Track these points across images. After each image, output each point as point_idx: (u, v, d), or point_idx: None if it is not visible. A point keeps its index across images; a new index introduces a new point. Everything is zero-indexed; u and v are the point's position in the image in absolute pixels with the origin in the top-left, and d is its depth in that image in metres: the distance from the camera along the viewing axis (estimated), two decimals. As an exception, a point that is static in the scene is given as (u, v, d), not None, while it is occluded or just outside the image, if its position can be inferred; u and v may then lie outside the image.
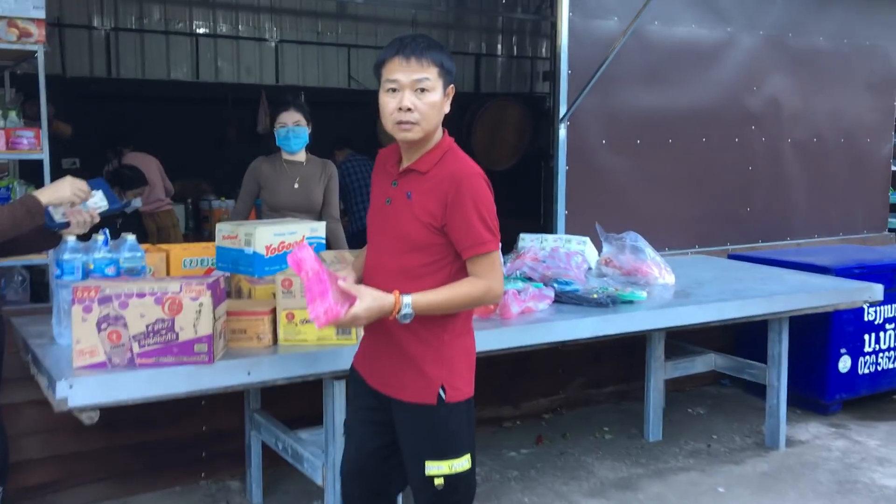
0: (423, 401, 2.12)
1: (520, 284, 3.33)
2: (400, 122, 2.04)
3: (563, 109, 4.45)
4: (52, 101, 6.81)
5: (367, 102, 8.32)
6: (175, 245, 3.64)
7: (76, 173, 6.95)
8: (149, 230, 6.18)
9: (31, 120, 6.74)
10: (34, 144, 3.40)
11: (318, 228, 3.34)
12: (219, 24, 7.89)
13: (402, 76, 2.03)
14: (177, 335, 2.36)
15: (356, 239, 6.79)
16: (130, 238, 2.73)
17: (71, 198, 2.58)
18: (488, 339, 2.87)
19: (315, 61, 8.43)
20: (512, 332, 3.00)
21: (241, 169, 4.16)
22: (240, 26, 7.99)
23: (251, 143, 7.73)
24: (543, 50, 9.88)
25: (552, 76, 8.79)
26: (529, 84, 9.91)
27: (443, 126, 2.17)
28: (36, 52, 3.34)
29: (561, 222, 4.51)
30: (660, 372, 4.20)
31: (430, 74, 2.04)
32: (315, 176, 3.95)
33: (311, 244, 3.31)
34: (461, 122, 8.96)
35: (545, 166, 9.78)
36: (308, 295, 2.01)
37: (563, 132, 4.47)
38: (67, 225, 2.59)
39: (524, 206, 9.42)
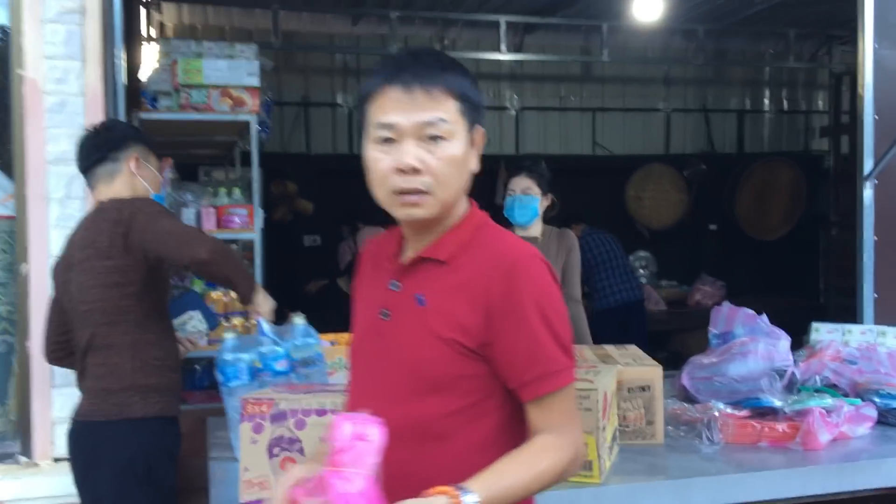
0: None
1: (828, 400, 2.46)
2: (402, 193, 1.34)
3: (867, 165, 3.50)
4: (295, 179, 6.98)
5: (613, 169, 7.78)
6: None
7: (317, 251, 7.04)
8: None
9: (277, 198, 6.93)
10: (247, 223, 3.16)
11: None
12: (458, 95, 7.72)
13: (402, 117, 1.33)
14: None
15: (602, 318, 6.11)
16: (299, 321, 2.29)
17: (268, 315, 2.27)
18: (788, 483, 2.06)
19: (557, 128, 7.99)
20: (823, 472, 2.16)
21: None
22: (479, 96, 7.76)
23: (490, 214, 7.38)
24: (819, 102, 8.68)
25: (851, 125, 7.59)
26: (803, 142, 8.72)
27: (470, 194, 1.45)
28: (249, 122, 3.11)
29: (868, 309, 3.51)
30: None
31: (446, 113, 1.34)
32: (552, 253, 3.37)
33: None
34: (722, 186, 8.01)
35: (825, 234, 8.51)
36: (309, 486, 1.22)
37: (868, 194, 3.51)
38: None
39: (798, 281, 8.19)
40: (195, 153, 4.72)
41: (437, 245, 1.39)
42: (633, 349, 2.67)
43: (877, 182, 3.51)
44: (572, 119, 8.04)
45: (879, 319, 3.47)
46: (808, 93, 8.72)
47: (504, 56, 6.73)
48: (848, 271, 7.75)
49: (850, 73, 7.73)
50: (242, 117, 3.06)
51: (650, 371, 2.37)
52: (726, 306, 3.11)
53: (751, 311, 3.02)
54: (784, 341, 2.95)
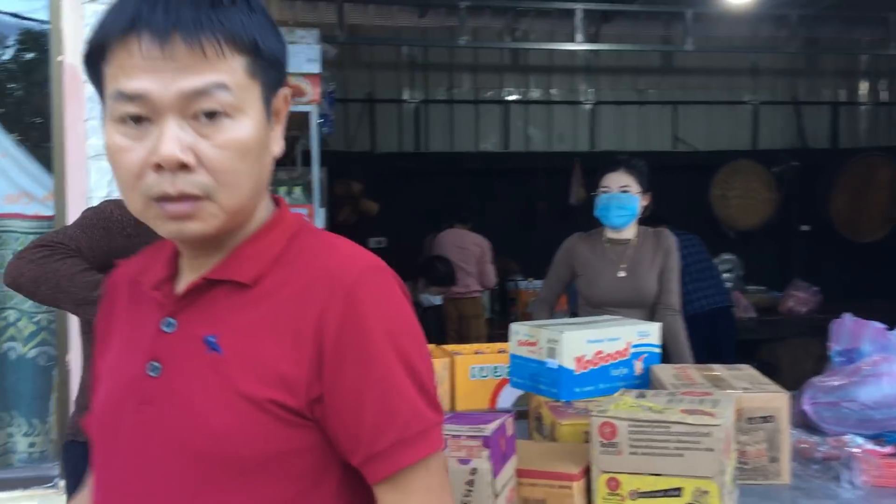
0: None
1: None
2: (164, 199, 0.88)
3: None
4: (360, 179, 6.76)
5: (696, 167, 7.32)
6: (464, 347, 2.93)
7: (383, 253, 6.80)
8: (449, 315, 5.67)
9: (341, 198, 6.72)
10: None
11: (651, 332, 2.40)
12: (530, 90, 7.40)
13: (156, 83, 0.86)
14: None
15: (687, 327, 5.61)
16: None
17: None
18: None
19: (635, 122, 7.58)
20: None
21: (551, 246, 3.37)
22: (552, 90, 7.42)
23: (562, 218, 7.03)
24: (922, 93, 8.06)
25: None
26: (905, 136, 8.10)
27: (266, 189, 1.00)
28: (309, 113, 2.85)
29: None
30: None
31: (226, 75, 0.88)
32: (646, 257, 3.02)
33: (641, 355, 2.38)
34: (815, 184, 7.47)
35: (928, 237, 7.87)
36: None
37: None
38: None
39: (899, 288, 7.58)
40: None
41: (231, 261, 0.95)
42: (747, 370, 2.30)
43: None
44: (651, 113, 7.62)
45: None
46: (910, 83, 8.10)
47: (579, 46, 6.37)
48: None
49: (959, 61, 7.14)
50: (301, 108, 2.80)
51: (775, 398, 2.00)
52: (849, 319, 2.71)
53: (880, 326, 2.62)
54: (921, 360, 2.55)
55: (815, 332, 6.86)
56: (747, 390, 2.04)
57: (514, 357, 2.39)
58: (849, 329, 2.68)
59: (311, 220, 2.91)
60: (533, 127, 7.44)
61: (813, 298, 6.87)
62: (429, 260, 4.99)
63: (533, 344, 2.31)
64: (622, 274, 2.99)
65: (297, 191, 3.44)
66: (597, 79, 7.50)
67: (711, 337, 5.71)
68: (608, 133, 7.48)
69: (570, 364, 2.21)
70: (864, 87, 8.01)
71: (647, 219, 5.74)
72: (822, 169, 7.50)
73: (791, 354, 6.84)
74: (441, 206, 6.26)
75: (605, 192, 3.05)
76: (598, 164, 3.23)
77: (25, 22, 2.41)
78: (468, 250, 5.82)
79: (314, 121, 2.81)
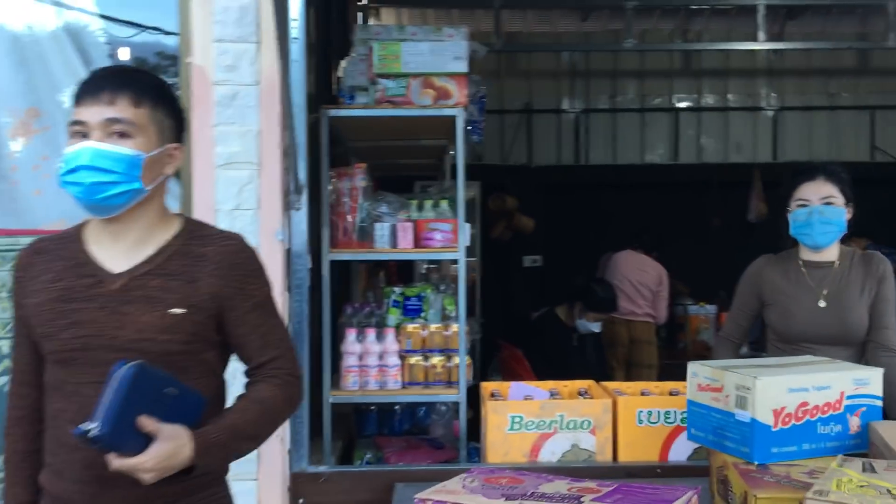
0: None
1: None
2: None
3: None
4: (515, 193, 6.47)
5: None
6: (628, 386, 2.55)
7: (538, 272, 6.46)
8: (619, 338, 5.25)
9: (495, 213, 6.45)
10: (450, 240, 2.62)
11: (871, 379, 1.95)
12: (703, 96, 6.84)
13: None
14: None
15: None
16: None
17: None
18: None
19: (825, 130, 6.83)
20: None
21: (726, 268, 2.94)
22: (729, 95, 6.83)
23: (740, 235, 6.43)
24: None
25: None
26: None
27: None
28: (455, 117, 2.57)
29: None
30: None
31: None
32: (855, 283, 2.52)
33: (858, 409, 1.92)
34: None
35: None
36: None
37: None
38: None
39: None
40: (407, 163, 4.32)
41: None
42: None
43: None
44: (845, 119, 6.85)
45: None
46: None
47: (762, 45, 5.79)
48: None
49: None
50: (447, 112, 2.54)
51: None
52: None
53: None
54: None
55: None
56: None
57: (692, 404, 2.00)
58: None
59: (455, 236, 2.63)
60: (706, 136, 6.87)
61: None
62: (587, 282, 4.60)
63: (718, 390, 1.92)
64: (823, 304, 2.51)
65: (444, 204, 3.17)
66: (780, 82, 6.83)
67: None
68: (793, 142, 6.78)
69: (766, 417, 1.80)
70: None
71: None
72: None
73: None
74: (611, 224, 5.90)
75: (803, 205, 2.57)
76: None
77: (149, 26, 2.30)
78: (647, 273, 5.42)
79: (460, 125, 2.54)
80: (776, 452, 1.82)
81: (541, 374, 4.11)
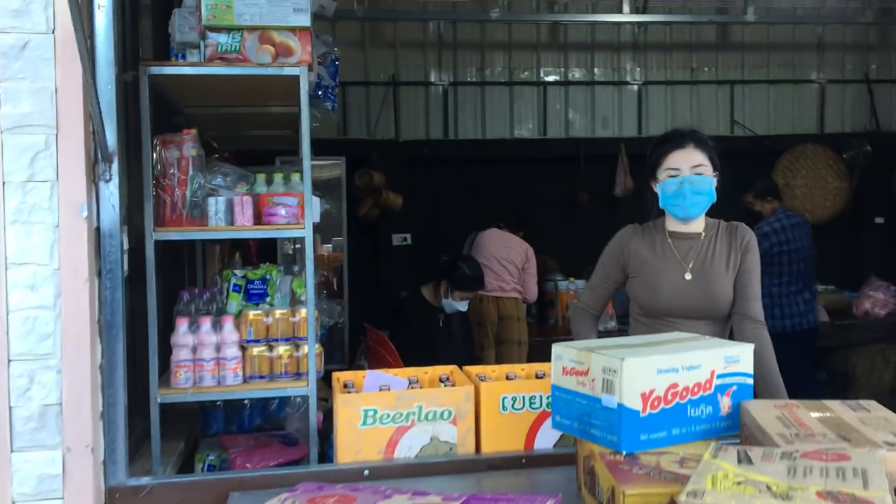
0: None
1: None
2: None
3: None
4: (383, 169, 6.23)
5: (757, 152, 6.64)
6: (493, 370, 2.37)
7: (408, 251, 6.25)
8: (488, 315, 5.12)
9: (362, 191, 6.18)
10: (295, 217, 2.35)
11: (741, 356, 1.83)
12: (570, 70, 6.79)
13: None
14: None
15: (794, 342, 5.08)
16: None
17: None
18: None
19: (687, 104, 6.93)
20: None
21: (594, 242, 2.82)
22: (595, 69, 6.81)
23: (607, 210, 6.44)
24: None
25: None
26: None
27: None
28: (298, 77, 2.29)
29: None
30: None
31: None
32: (721, 255, 2.43)
33: (728, 388, 1.81)
34: (891, 170, 6.76)
35: None
36: None
37: None
38: None
39: None
40: (266, 135, 3.96)
41: None
42: (875, 409, 1.72)
43: None
44: (706, 94, 6.98)
45: None
46: None
47: (626, 18, 5.78)
48: None
49: None
50: (287, 71, 2.25)
51: (937, 460, 1.42)
52: None
53: None
54: None
55: (894, 338, 6.19)
56: (892, 446, 1.45)
57: (556, 389, 1.84)
58: None
59: (301, 212, 2.36)
60: (573, 110, 6.83)
61: (892, 300, 6.18)
62: (453, 261, 4.43)
63: (583, 373, 1.75)
64: (689, 276, 2.42)
65: (296, 178, 2.89)
66: (645, 56, 6.87)
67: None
68: (658, 116, 6.85)
69: (634, 402, 1.66)
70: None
71: (751, 188, 5.16)
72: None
73: (867, 362, 6.17)
74: (481, 200, 5.77)
75: (673, 175, 2.46)
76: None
77: None
78: (513, 250, 5.33)
79: (304, 87, 2.25)
80: (645, 440, 1.68)
81: (408, 358, 3.91)
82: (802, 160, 6.73)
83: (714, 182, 2.47)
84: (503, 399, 2.15)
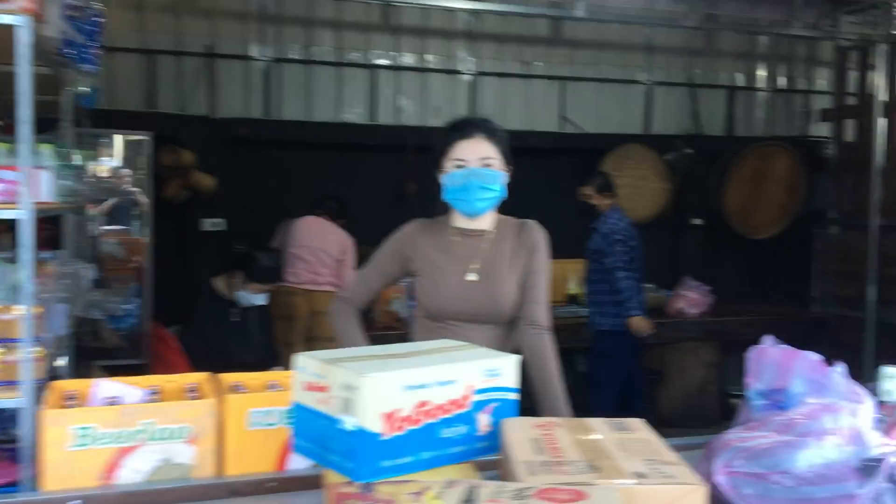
0: None
1: None
2: None
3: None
4: (194, 147, 5.80)
5: (584, 150, 6.70)
6: (255, 379, 2.11)
7: (221, 238, 5.86)
8: (297, 310, 4.83)
9: (168, 169, 5.71)
10: (9, 195, 1.98)
11: (503, 369, 1.67)
12: (402, 54, 6.58)
13: None
14: None
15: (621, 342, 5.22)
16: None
17: None
18: None
19: (519, 98, 6.90)
20: None
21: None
22: (427, 56, 6.64)
23: (436, 201, 6.27)
24: (820, 81, 7.76)
25: (861, 108, 6.65)
26: (801, 126, 7.80)
27: None
28: (13, 27, 1.92)
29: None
30: None
31: None
32: (507, 255, 2.29)
33: (487, 404, 1.65)
34: (709, 173, 7.03)
35: (821, 234, 7.59)
36: None
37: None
38: None
39: (790, 288, 7.26)
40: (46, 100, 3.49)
41: None
42: (639, 431, 1.59)
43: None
44: (538, 88, 6.97)
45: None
46: (808, 69, 7.79)
47: (459, 4, 5.65)
48: (849, 278, 6.96)
49: (860, 47, 6.82)
50: (4, 20, 1.86)
51: (686, 494, 1.29)
52: (773, 347, 2.05)
53: (815, 358, 1.97)
54: (867, 405, 1.92)
55: (705, 337, 6.42)
56: (642, 479, 1.32)
57: (298, 407, 1.61)
58: (773, 360, 2.02)
59: (17, 187, 1.99)
60: (405, 97, 6.64)
61: (704, 299, 6.41)
62: (249, 250, 4.13)
63: (324, 389, 1.53)
64: (473, 277, 2.25)
65: (54, 150, 2.52)
66: (479, 46, 6.77)
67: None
68: (490, 108, 6.76)
69: (374, 424, 1.45)
70: (762, 72, 7.63)
71: (590, 181, 5.12)
72: (717, 157, 7.07)
73: (679, 360, 6.37)
74: (307, 185, 5.49)
75: (460, 166, 2.31)
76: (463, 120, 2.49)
77: None
78: (329, 240, 5.09)
79: (24, 41, 1.87)
80: (388, 466, 1.48)
81: (197, 359, 3.59)
82: (627, 160, 6.86)
83: (504, 177, 2.32)
84: (252, 413, 1.90)
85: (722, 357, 6.35)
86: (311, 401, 1.56)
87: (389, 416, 1.47)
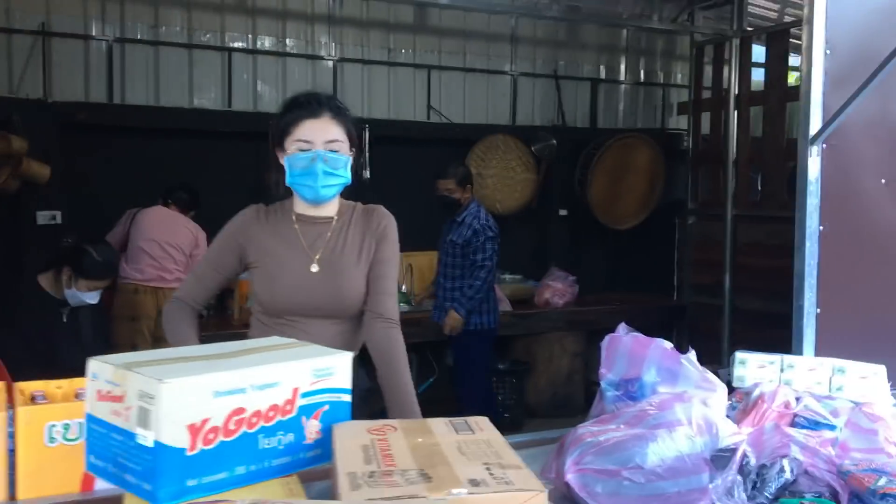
0: None
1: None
2: None
3: (815, 122, 2.47)
4: (25, 133, 5.32)
5: (451, 140, 6.60)
6: (60, 387, 1.85)
7: (59, 231, 5.40)
8: (144, 309, 4.49)
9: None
10: None
11: (335, 368, 1.50)
12: (259, 37, 6.28)
13: None
14: None
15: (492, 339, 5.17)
16: None
17: None
18: None
19: (384, 86, 6.73)
20: None
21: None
22: (287, 40, 6.37)
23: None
24: (678, 75, 8.00)
25: (716, 100, 6.84)
26: (660, 118, 8.00)
27: None
28: None
29: (810, 329, 2.51)
30: None
31: None
32: (354, 244, 2.12)
33: (317, 408, 1.48)
34: (574, 165, 7.10)
35: (680, 224, 7.82)
36: None
37: (814, 165, 2.49)
38: None
39: (653, 277, 7.44)
40: None
41: None
42: (484, 431, 1.46)
43: (826, 148, 2.50)
44: (404, 76, 6.82)
45: (824, 344, 2.49)
46: (667, 63, 8.01)
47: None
48: (707, 266, 7.19)
49: (714, 42, 7.04)
50: None
51: (523, 502, 1.17)
52: (626, 335, 1.99)
53: (667, 346, 1.92)
54: (719, 394, 1.88)
55: (571, 327, 6.48)
56: (477, 487, 1.18)
57: (92, 420, 1.39)
58: (626, 349, 1.96)
59: None
60: (263, 82, 6.34)
61: (570, 289, 6.46)
62: (79, 243, 3.78)
63: (119, 398, 1.32)
64: (316, 268, 2.08)
65: None
66: (341, 31, 6.55)
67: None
68: (354, 96, 6.56)
69: (177, 438, 1.26)
70: (623, 64, 7.78)
71: (451, 172, 4.98)
72: (581, 148, 7.15)
73: (547, 351, 6.39)
74: (155, 175, 5.15)
75: (305, 148, 2.13)
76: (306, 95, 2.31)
77: None
78: (179, 233, 4.78)
79: None
80: (194, 486, 1.29)
81: (18, 365, 3.23)
82: (494, 150, 6.83)
83: (350, 161, 2.16)
84: (50, 428, 1.66)
85: (587, 346, 6.42)
86: (104, 412, 1.35)
87: (196, 428, 1.28)
